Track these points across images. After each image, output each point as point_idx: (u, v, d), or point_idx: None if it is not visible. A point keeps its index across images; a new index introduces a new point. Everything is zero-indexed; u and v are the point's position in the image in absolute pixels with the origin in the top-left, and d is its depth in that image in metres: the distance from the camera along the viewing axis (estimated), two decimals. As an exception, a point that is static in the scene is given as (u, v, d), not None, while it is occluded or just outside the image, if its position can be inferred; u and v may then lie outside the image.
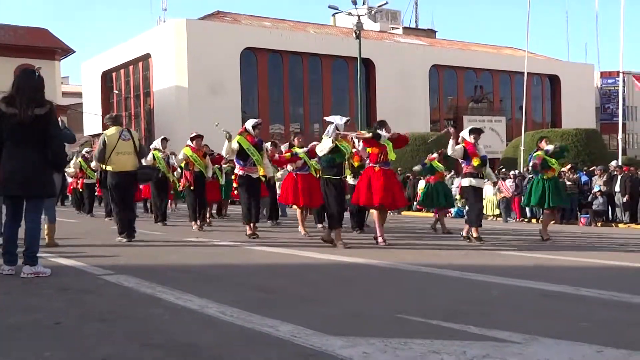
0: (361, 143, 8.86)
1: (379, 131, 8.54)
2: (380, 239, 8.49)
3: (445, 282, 5.40)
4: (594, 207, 17.09)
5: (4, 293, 4.52)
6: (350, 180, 10.24)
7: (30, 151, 5.18)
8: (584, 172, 18.90)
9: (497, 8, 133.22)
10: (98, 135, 47.87)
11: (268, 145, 10.74)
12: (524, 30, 23.99)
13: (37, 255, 5.31)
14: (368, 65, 43.71)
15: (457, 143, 9.40)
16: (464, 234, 9.51)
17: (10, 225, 5.37)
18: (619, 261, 7.31)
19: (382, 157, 8.47)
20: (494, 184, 18.18)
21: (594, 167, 18.87)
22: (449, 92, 49.97)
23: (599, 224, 16.86)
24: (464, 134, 9.73)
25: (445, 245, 9.01)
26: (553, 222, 13.32)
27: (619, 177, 16.77)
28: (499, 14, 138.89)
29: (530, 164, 10.65)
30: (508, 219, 19.05)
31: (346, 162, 8.73)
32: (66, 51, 40.45)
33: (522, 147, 24.75)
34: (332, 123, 8.34)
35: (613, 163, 18.74)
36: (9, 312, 3.83)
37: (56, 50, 39.42)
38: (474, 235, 9.27)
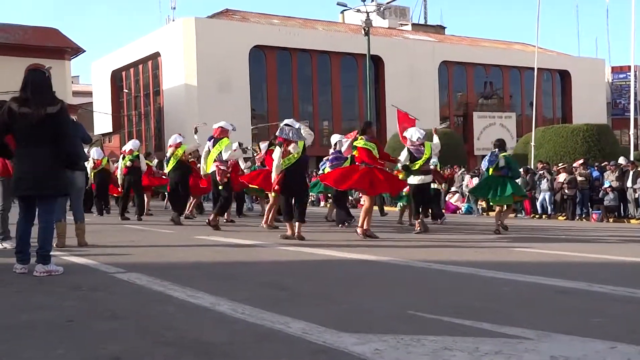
0: (346, 145, 9.58)
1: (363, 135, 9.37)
2: (359, 230, 9.08)
3: (456, 278, 5.38)
4: (605, 202, 16.97)
5: (17, 291, 4.56)
6: None
7: (42, 151, 5.20)
8: (595, 168, 18.78)
9: (506, 3, 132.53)
10: (109, 134, 48.38)
11: (236, 144, 11.36)
12: (534, 26, 23.99)
13: (50, 254, 5.35)
14: (377, 62, 43.63)
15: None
16: (416, 228, 10.30)
17: (23, 224, 5.40)
18: (632, 257, 7.26)
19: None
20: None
21: (606, 163, 18.73)
22: (458, 89, 49.77)
23: (611, 220, 16.74)
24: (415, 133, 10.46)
25: (456, 242, 8.99)
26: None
27: (631, 172, 16.65)
28: (508, 9, 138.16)
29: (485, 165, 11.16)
30: (476, 213, 19.73)
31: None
32: (76, 51, 40.62)
33: (532, 143, 24.57)
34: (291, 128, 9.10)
35: (622, 160, 18.58)
36: (22, 310, 3.85)
37: (66, 49, 39.59)
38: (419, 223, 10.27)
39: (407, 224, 12.04)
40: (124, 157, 13.85)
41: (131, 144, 13.99)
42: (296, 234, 8.63)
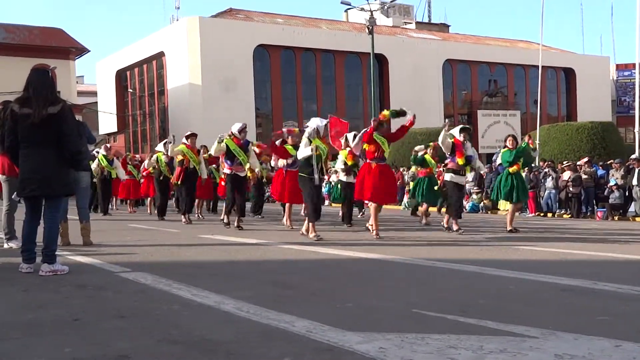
0: (357, 139, 9.46)
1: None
2: (374, 232, 9.01)
3: (461, 276, 5.38)
4: (610, 200, 16.92)
5: (23, 290, 4.58)
6: (342, 177, 11.65)
7: (46, 151, 5.21)
8: (600, 167, 18.71)
9: (510, 1, 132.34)
10: (114, 134, 48.47)
11: (255, 148, 11.32)
12: (538, 24, 23.80)
13: (56, 253, 5.37)
14: (381, 61, 43.61)
15: (448, 136, 10.29)
16: (445, 224, 10.29)
17: (29, 224, 5.43)
18: (637, 255, 7.25)
19: (378, 153, 9.04)
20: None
21: (611, 161, 18.67)
22: (462, 87, 49.70)
23: (616, 218, 16.69)
24: (455, 131, 10.56)
25: (461, 240, 8.98)
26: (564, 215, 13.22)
27: (637, 170, 16.58)
28: (512, 7, 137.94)
29: (497, 161, 11.29)
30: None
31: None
32: (81, 50, 40.72)
33: (537, 141, 24.50)
34: (310, 127, 9.08)
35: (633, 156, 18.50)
36: (28, 309, 3.87)
37: (71, 49, 39.71)
38: (454, 227, 10.05)
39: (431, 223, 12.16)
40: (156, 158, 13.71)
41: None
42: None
